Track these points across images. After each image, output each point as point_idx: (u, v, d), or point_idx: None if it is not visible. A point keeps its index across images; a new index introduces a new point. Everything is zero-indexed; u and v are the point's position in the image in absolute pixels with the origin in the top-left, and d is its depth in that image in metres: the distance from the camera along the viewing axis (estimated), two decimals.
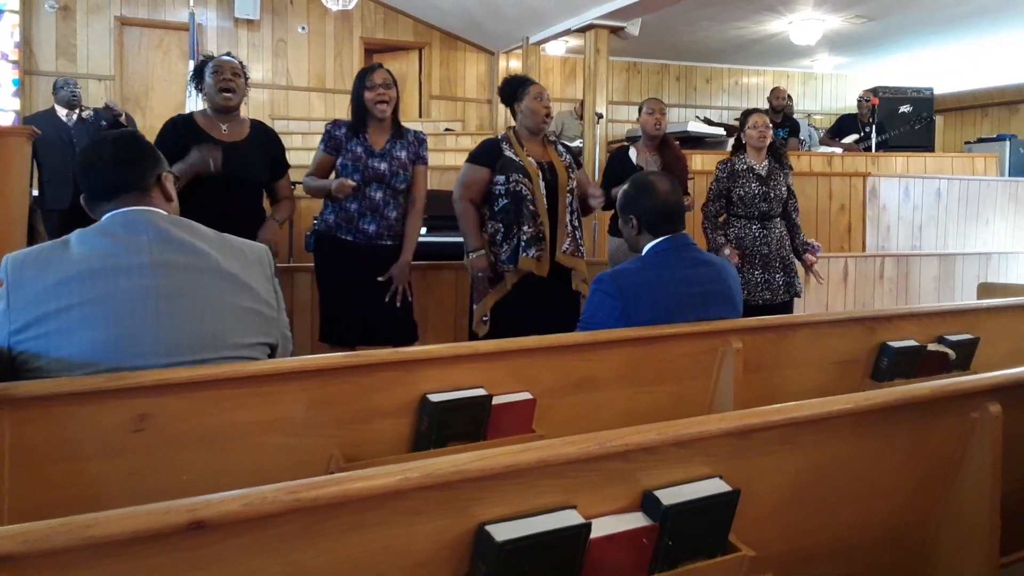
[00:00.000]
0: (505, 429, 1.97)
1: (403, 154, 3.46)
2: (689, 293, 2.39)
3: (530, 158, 3.49)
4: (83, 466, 1.57)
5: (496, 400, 1.95)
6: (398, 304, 3.46)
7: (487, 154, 3.54)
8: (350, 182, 3.31)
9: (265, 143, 3.41)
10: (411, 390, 1.90)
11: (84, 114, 5.92)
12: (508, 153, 3.50)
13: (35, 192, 5.59)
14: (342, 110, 10.31)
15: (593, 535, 1.19)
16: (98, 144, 1.85)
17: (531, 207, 3.41)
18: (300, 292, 4.34)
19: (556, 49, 10.75)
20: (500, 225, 3.48)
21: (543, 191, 3.45)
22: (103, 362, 1.64)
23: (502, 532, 1.13)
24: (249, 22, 9.82)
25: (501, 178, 3.44)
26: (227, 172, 3.20)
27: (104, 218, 1.77)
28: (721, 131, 8.23)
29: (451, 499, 1.11)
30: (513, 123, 3.66)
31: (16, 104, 8.68)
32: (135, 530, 0.90)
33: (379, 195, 3.42)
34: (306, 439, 1.77)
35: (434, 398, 1.88)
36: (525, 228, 3.41)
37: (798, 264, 4.28)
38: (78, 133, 5.81)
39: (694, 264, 2.44)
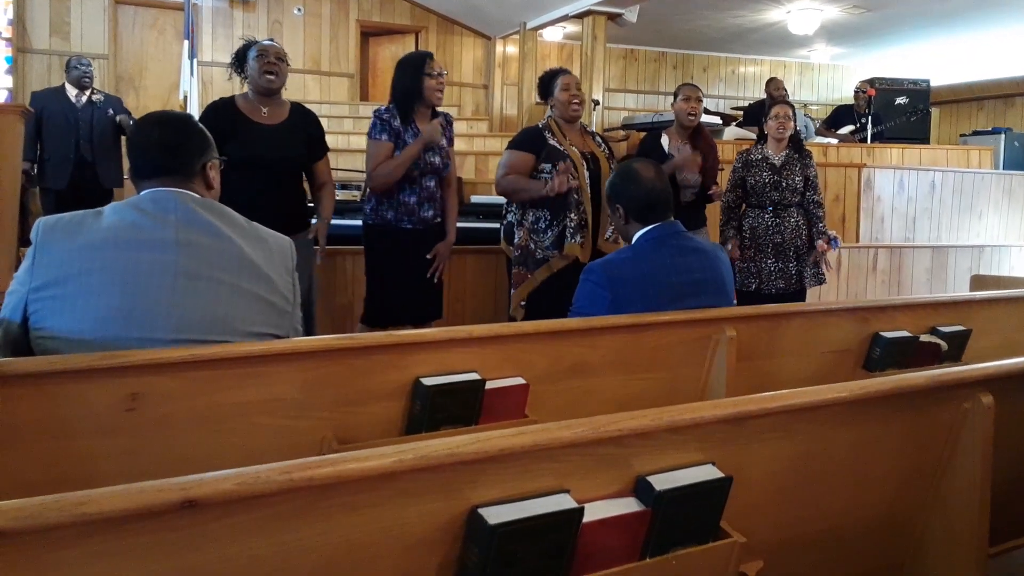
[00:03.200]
0: (498, 414, 1.97)
1: (444, 142, 3.56)
2: (680, 282, 2.38)
3: (573, 147, 3.56)
4: (75, 444, 1.57)
5: (489, 385, 1.95)
6: (435, 280, 3.59)
7: (531, 140, 3.61)
8: (571, 176, 3.38)
9: (304, 125, 3.46)
10: (405, 373, 1.90)
11: (94, 97, 5.85)
12: (552, 142, 3.56)
13: (32, 170, 5.59)
14: (337, 93, 10.27)
15: (586, 519, 1.20)
16: (149, 123, 1.87)
17: (576, 195, 3.47)
18: (339, 274, 4.34)
19: (553, 35, 10.70)
20: (545, 211, 3.52)
21: (587, 180, 3.52)
22: (112, 331, 1.64)
23: (495, 515, 1.13)
24: (245, 3, 9.76)
25: (547, 166, 3.50)
26: (267, 154, 3.28)
27: (140, 193, 1.79)
28: (718, 120, 8.22)
29: (445, 482, 1.11)
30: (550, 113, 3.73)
31: (9, 82, 8.61)
32: (127, 508, 0.90)
33: (432, 184, 3.54)
34: (299, 421, 1.77)
35: (427, 382, 1.88)
36: (571, 215, 3.47)
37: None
38: (84, 115, 5.75)
39: (684, 252, 2.43)
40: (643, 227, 2.46)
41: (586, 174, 3.52)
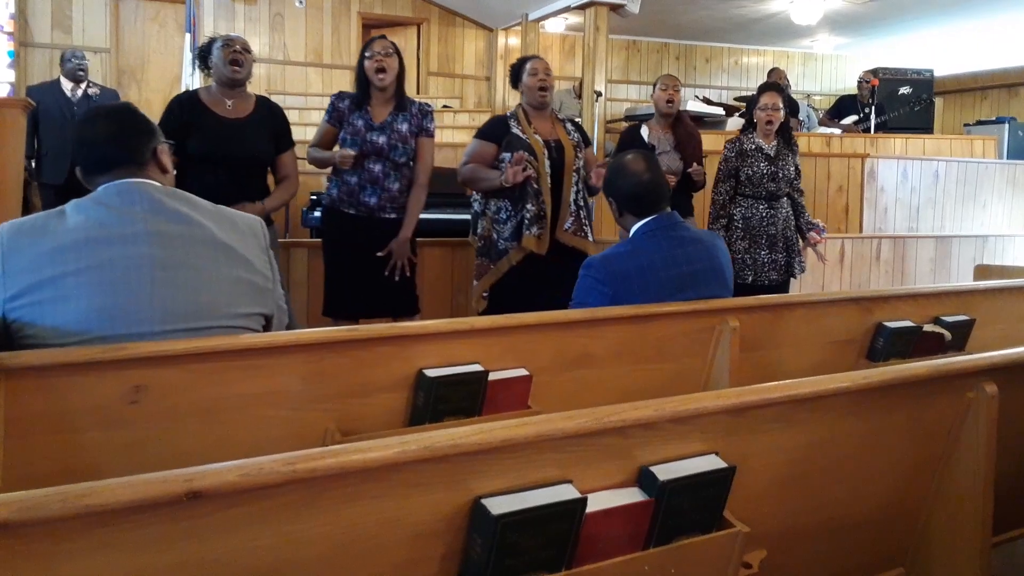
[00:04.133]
0: (501, 405, 1.97)
1: (404, 127, 3.45)
2: (679, 274, 2.38)
3: (537, 136, 3.50)
4: (78, 437, 1.57)
5: (492, 376, 1.95)
6: (396, 279, 3.47)
7: (495, 130, 3.57)
8: (350, 152, 3.33)
9: (269, 119, 3.41)
10: (407, 365, 1.90)
11: (90, 91, 5.82)
12: (515, 130, 3.51)
13: (31, 165, 5.58)
14: (340, 85, 10.24)
15: (589, 510, 1.20)
16: (92, 118, 1.85)
17: (535, 185, 3.42)
18: (297, 268, 4.33)
19: (555, 26, 10.67)
20: (506, 202, 3.49)
21: (547, 169, 3.46)
22: (98, 330, 1.63)
23: (498, 506, 1.13)
24: None
25: (507, 155, 3.45)
26: (231, 149, 3.23)
27: (99, 189, 1.77)
28: (720, 111, 8.20)
29: (448, 473, 1.11)
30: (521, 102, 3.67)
31: (11, 76, 8.60)
32: (132, 499, 0.90)
33: (378, 168, 3.43)
34: (302, 412, 1.78)
35: (430, 373, 1.88)
36: (528, 206, 3.42)
37: (800, 243, 4.28)
38: (81, 109, 5.67)
39: (683, 243, 2.42)
40: (638, 220, 2.46)
41: (547, 163, 3.46)
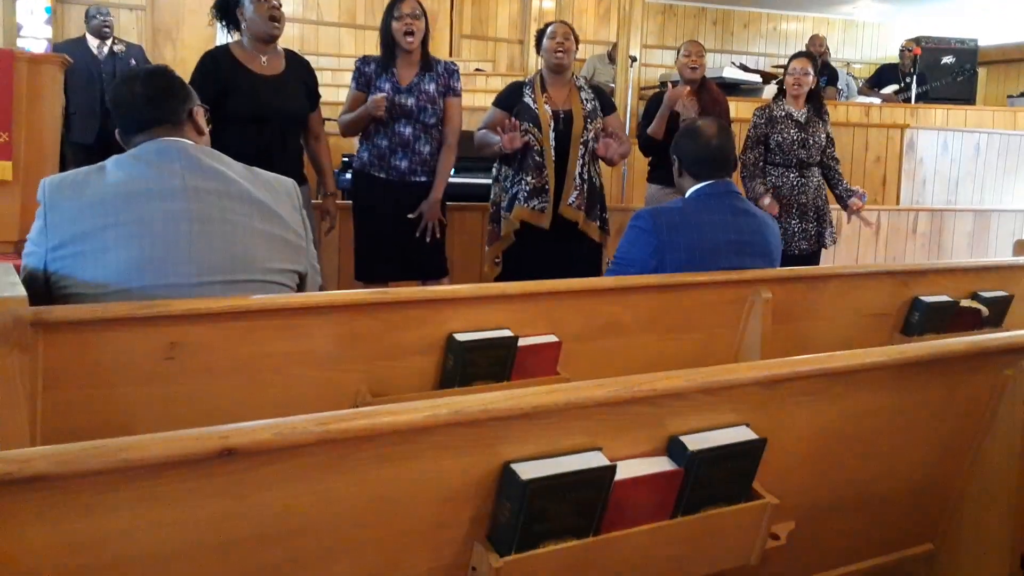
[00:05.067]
0: (530, 371, 1.98)
1: (431, 87, 3.42)
2: (726, 240, 2.37)
3: (547, 106, 3.43)
4: (114, 392, 1.60)
5: (522, 342, 1.96)
6: (428, 240, 3.46)
7: (508, 97, 3.55)
8: (380, 95, 3.29)
9: (302, 74, 3.37)
10: (438, 329, 1.91)
11: (116, 48, 5.78)
12: (527, 99, 3.46)
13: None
14: (372, 47, 10.17)
15: (618, 477, 1.20)
16: (129, 80, 1.88)
17: (537, 158, 3.37)
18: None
19: None
20: (510, 170, 3.48)
21: (552, 142, 3.40)
22: (136, 281, 1.67)
23: (527, 471, 1.13)
24: None
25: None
26: (271, 107, 3.18)
27: (139, 147, 1.80)
28: (757, 78, 8.05)
29: (478, 437, 1.12)
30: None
31: (48, 32, 8.65)
32: (168, 455, 0.91)
33: (408, 131, 3.40)
34: (334, 373, 1.79)
35: (460, 337, 1.89)
36: (528, 179, 3.38)
37: (835, 213, 4.22)
38: (107, 67, 5.68)
39: (735, 212, 2.42)
40: (696, 183, 2.46)
41: (551, 136, 3.39)
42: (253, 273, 1.79)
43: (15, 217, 2.87)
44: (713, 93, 4.29)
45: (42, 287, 1.69)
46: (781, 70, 9.10)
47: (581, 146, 3.45)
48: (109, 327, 1.57)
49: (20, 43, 8.40)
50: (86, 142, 5.60)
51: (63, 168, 3.98)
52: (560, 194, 3.43)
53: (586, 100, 3.53)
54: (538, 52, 3.64)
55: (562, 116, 3.45)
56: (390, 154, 3.40)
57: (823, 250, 4.21)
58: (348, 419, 1.01)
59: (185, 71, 2.09)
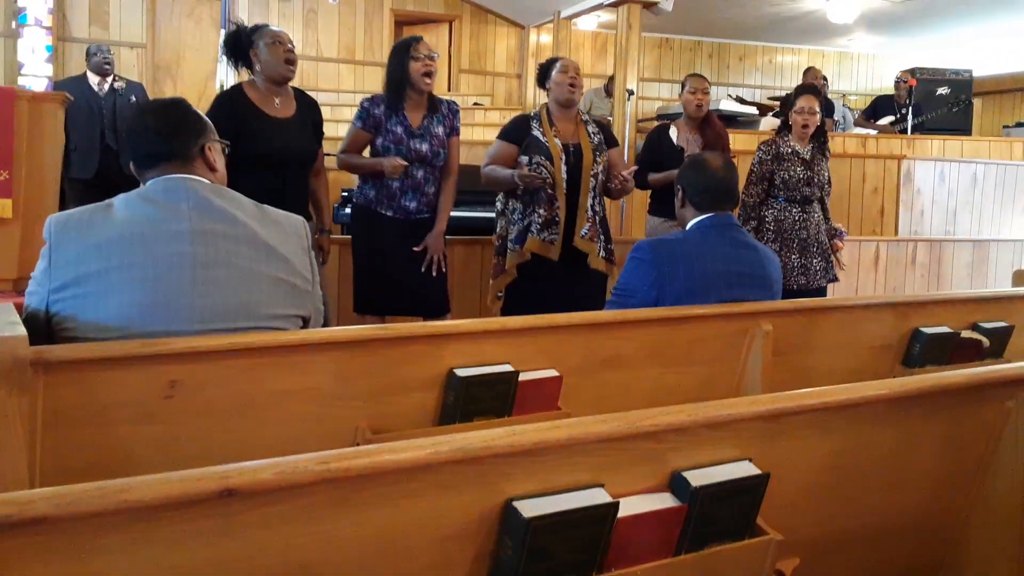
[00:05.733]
0: (531, 406, 1.97)
1: (440, 130, 3.45)
2: (726, 271, 2.37)
3: (556, 139, 3.45)
4: (114, 431, 1.59)
5: (523, 376, 1.95)
6: (433, 274, 3.47)
7: (516, 131, 3.54)
8: (402, 162, 3.28)
9: (311, 115, 3.39)
10: (438, 364, 1.90)
11: (116, 85, 5.85)
12: (536, 132, 3.47)
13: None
14: (371, 82, 10.29)
15: (620, 514, 1.19)
16: (144, 111, 1.88)
17: (549, 191, 3.38)
18: (328, 264, 4.33)
19: (587, 24, 10.62)
20: (519, 204, 3.48)
21: (564, 175, 3.41)
22: (138, 326, 1.65)
23: (530, 508, 1.13)
24: None
25: (525, 158, 3.43)
26: (285, 151, 3.19)
27: (147, 184, 1.79)
28: (754, 110, 8.12)
29: (480, 474, 1.11)
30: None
31: (49, 70, 8.73)
32: (168, 496, 0.91)
33: (420, 174, 3.42)
34: (333, 410, 1.78)
35: (461, 373, 1.88)
36: (540, 211, 3.39)
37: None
38: (108, 104, 5.75)
39: (735, 245, 2.43)
40: (698, 214, 2.47)
41: (563, 169, 3.40)
42: (256, 320, 1.77)
43: (15, 255, 2.86)
44: (716, 128, 4.31)
45: (43, 327, 1.68)
46: (777, 102, 9.19)
47: (592, 179, 3.47)
48: (109, 366, 1.57)
49: (21, 81, 8.50)
50: (85, 177, 5.66)
51: (62, 205, 4.00)
52: (570, 226, 3.44)
53: (592, 133, 3.56)
54: (540, 86, 3.66)
55: (571, 149, 3.47)
56: (400, 195, 3.41)
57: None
58: (350, 458, 1.01)
59: (207, 112, 2.09)
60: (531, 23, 10.75)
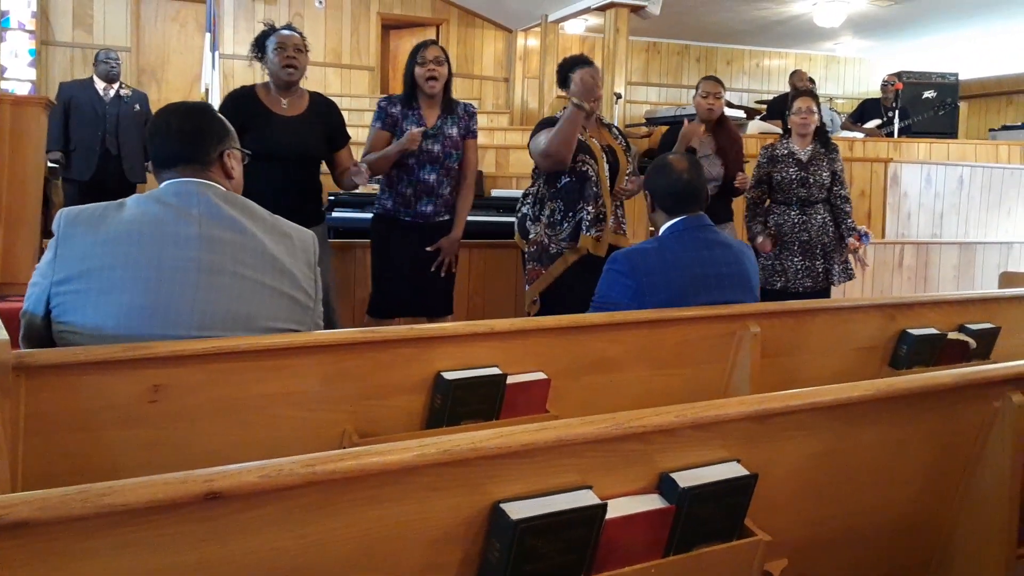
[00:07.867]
0: (519, 409, 1.96)
1: (454, 131, 3.52)
2: (704, 275, 2.37)
3: (593, 139, 3.48)
4: (98, 435, 1.58)
5: (511, 379, 1.94)
6: (443, 275, 3.54)
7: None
8: (416, 131, 3.34)
9: (324, 116, 3.43)
10: (426, 367, 1.90)
11: (122, 92, 5.93)
12: None
13: (63, 159, 5.65)
14: (358, 85, 10.29)
15: (609, 516, 1.19)
16: (168, 112, 1.87)
17: (595, 188, 3.41)
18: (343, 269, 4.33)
19: (575, 27, 10.65)
20: (560, 203, 3.47)
21: (607, 172, 3.45)
22: (136, 327, 1.64)
23: (517, 511, 1.12)
24: None
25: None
26: (285, 147, 3.25)
27: (161, 186, 1.79)
28: (742, 114, 8.16)
29: (467, 476, 1.11)
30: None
31: (32, 74, 8.69)
32: (152, 499, 0.90)
33: (432, 177, 3.48)
34: (320, 413, 1.77)
35: (448, 376, 1.88)
36: (589, 208, 3.41)
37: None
38: (112, 110, 5.83)
39: (710, 246, 2.42)
40: (670, 218, 2.46)
41: (606, 167, 3.46)
42: (253, 331, 1.75)
43: None
44: (730, 131, 4.28)
45: (41, 324, 1.67)
46: (764, 106, 9.23)
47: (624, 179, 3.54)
48: (92, 370, 1.55)
49: (4, 85, 8.46)
50: (82, 179, 5.72)
51: (46, 206, 3.97)
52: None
53: (617, 136, 3.63)
54: (561, 86, 3.64)
55: (607, 150, 3.52)
56: (415, 201, 3.48)
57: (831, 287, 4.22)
58: (335, 460, 1.00)
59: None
60: (518, 27, 10.78)
